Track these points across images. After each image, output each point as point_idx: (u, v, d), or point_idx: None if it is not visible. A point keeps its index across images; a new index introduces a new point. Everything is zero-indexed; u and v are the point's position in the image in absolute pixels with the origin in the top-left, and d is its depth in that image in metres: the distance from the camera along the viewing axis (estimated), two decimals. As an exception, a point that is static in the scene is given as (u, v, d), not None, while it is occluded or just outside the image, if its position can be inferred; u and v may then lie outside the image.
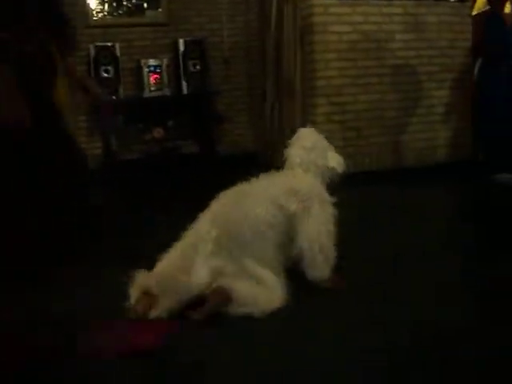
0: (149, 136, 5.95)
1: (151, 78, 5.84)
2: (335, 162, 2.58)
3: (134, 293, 2.16)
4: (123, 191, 4.90)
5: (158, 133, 5.95)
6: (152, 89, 5.86)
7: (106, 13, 5.88)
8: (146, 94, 5.84)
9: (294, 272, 2.37)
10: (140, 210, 4.11)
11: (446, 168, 5.19)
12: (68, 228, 1.87)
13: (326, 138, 2.69)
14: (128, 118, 5.83)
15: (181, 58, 5.91)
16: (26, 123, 1.62)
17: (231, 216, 2.29)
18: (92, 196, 2.88)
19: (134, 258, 2.59)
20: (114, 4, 5.90)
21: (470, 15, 5.39)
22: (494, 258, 2.81)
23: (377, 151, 5.17)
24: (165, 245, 2.34)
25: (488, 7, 4.94)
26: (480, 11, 5.34)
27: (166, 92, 5.92)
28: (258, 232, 2.25)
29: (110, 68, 5.61)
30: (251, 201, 2.33)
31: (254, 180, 2.45)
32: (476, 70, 5.12)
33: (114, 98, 5.59)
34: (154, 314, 2.09)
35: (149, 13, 6.02)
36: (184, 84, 5.93)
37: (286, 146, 2.64)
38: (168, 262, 2.27)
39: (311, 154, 2.53)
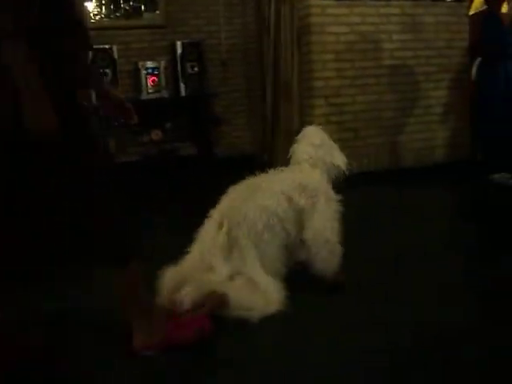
0: (147, 138, 5.94)
1: (149, 80, 5.83)
2: (340, 160, 2.60)
3: (165, 287, 2.18)
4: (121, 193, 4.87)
5: (155, 135, 5.94)
6: (150, 91, 5.84)
7: (103, 15, 5.87)
8: (144, 96, 5.83)
9: (294, 272, 2.38)
10: (137, 212, 4.10)
11: (444, 168, 5.19)
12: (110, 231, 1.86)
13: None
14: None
15: (178, 60, 5.90)
16: (53, 126, 1.60)
17: (242, 209, 2.30)
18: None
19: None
20: (112, 6, 5.89)
21: (467, 15, 5.39)
22: (496, 258, 2.80)
23: (375, 152, 5.17)
24: (162, 246, 2.34)
25: (485, 7, 4.94)
26: (477, 11, 5.35)
27: (164, 94, 5.91)
28: (268, 225, 2.28)
29: (107, 70, 5.59)
30: (262, 194, 2.35)
31: (263, 175, 2.48)
32: (474, 70, 5.13)
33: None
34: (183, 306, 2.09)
35: (146, 15, 6.01)
36: (182, 86, 5.92)
37: (291, 144, 2.66)
38: (190, 260, 2.30)
39: (319, 150, 2.55)
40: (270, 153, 5.46)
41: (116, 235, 1.83)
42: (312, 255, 2.35)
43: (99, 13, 5.84)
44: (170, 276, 2.22)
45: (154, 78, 5.85)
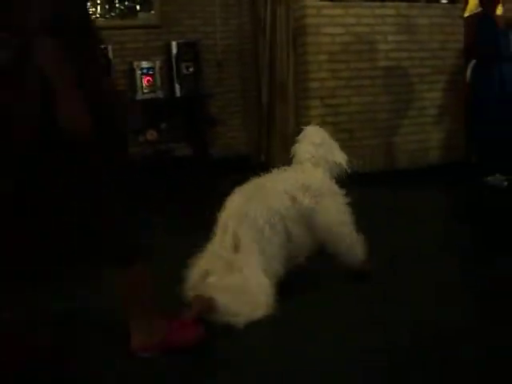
0: (142, 138, 5.93)
1: (144, 81, 5.82)
2: (341, 157, 2.63)
3: (193, 275, 2.24)
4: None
5: (151, 135, 5.93)
6: (145, 91, 5.83)
7: (98, 15, 5.84)
8: (139, 97, 5.82)
9: (294, 273, 2.38)
10: (137, 212, 4.09)
11: (438, 170, 5.21)
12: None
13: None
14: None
15: (174, 60, 5.89)
16: (87, 125, 1.60)
17: (246, 207, 2.31)
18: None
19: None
20: (107, 6, 5.88)
21: (462, 17, 5.42)
22: (491, 259, 2.82)
23: (369, 153, 5.19)
24: (159, 246, 2.34)
25: (480, 9, 4.96)
26: (472, 13, 5.37)
27: (159, 94, 5.90)
28: (269, 223, 2.29)
29: (102, 70, 5.58)
30: (265, 193, 2.38)
31: (266, 175, 2.51)
32: (468, 72, 5.15)
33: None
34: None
35: (141, 15, 6.00)
36: (177, 86, 5.91)
37: (293, 143, 2.68)
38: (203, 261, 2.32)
39: (320, 149, 2.58)
40: (265, 153, 5.46)
41: (118, 235, 1.82)
42: (332, 250, 2.42)
43: (94, 13, 5.81)
44: (199, 264, 2.27)
45: (149, 78, 5.83)
